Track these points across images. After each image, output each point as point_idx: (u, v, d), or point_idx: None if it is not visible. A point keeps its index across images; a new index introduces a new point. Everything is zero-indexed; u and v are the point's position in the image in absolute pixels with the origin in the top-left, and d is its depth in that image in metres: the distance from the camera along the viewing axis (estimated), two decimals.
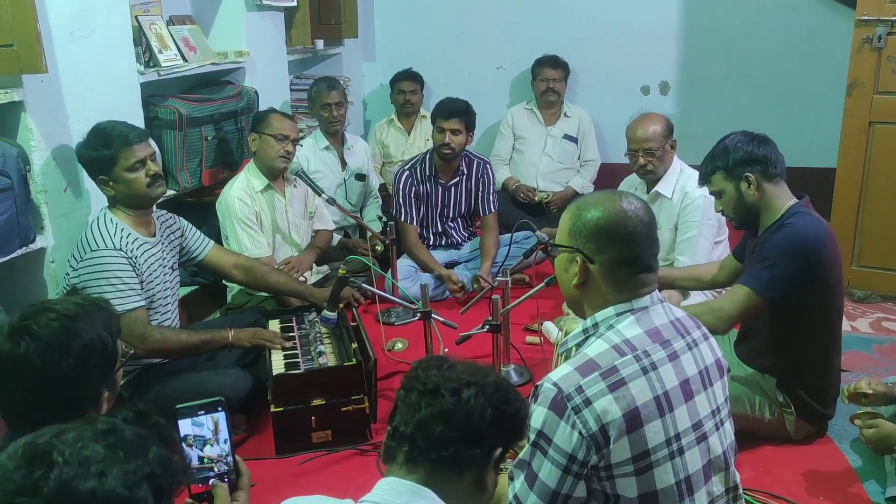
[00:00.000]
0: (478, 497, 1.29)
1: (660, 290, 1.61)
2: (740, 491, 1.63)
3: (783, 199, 2.36)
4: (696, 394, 1.51)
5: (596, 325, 1.54)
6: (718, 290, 2.97)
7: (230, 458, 1.43)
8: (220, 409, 1.45)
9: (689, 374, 1.51)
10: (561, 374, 1.45)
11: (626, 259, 1.52)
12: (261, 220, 3.27)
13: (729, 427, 1.60)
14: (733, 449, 1.61)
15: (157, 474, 0.90)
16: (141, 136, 2.50)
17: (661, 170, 3.19)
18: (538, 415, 1.44)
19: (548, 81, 4.61)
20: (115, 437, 0.91)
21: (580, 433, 1.40)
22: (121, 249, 2.39)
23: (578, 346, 1.56)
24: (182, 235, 2.75)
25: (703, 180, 2.46)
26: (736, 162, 2.34)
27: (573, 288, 1.57)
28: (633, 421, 1.42)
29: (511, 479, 1.53)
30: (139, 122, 2.93)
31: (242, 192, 3.23)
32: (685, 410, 1.48)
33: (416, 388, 1.28)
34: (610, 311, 1.53)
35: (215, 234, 3.22)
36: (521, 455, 1.50)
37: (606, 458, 1.42)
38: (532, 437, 1.46)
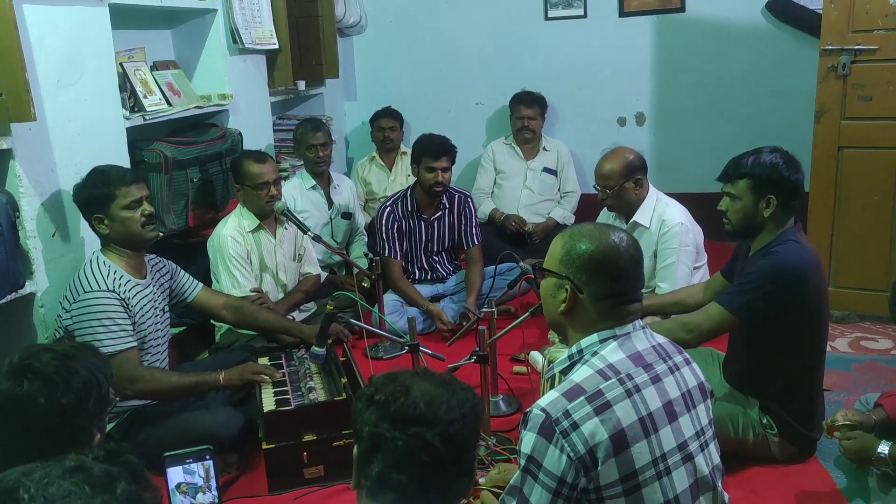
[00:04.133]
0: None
1: (643, 318, 1.67)
2: None
3: (784, 225, 2.40)
4: (679, 415, 1.55)
5: (581, 352, 1.59)
6: None
7: None
8: (208, 457, 1.48)
9: (671, 396, 1.56)
10: (548, 399, 1.49)
11: (613, 292, 1.59)
12: (250, 260, 3.31)
13: (714, 449, 1.64)
14: (720, 470, 1.65)
15: None
16: (137, 177, 2.59)
17: (620, 206, 3.24)
18: (528, 440, 1.48)
19: (523, 119, 4.68)
20: (83, 473, 0.91)
21: (569, 456, 1.44)
22: (113, 291, 2.42)
23: (564, 372, 1.60)
24: (171, 278, 2.78)
25: (726, 179, 2.44)
26: (769, 181, 2.35)
27: (559, 314, 1.63)
28: (620, 442, 1.46)
29: None
30: (125, 166, 2.95)
31: (235, 231, 3.28)
32: (670, 431, 1.52)
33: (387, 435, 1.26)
34: (594, 337, 1.58)
35: (203, 274, 3.24)
36: (512, 481, 1.53)
37: (595, 481, 1.46)
38: (522, 462, 1.49)
